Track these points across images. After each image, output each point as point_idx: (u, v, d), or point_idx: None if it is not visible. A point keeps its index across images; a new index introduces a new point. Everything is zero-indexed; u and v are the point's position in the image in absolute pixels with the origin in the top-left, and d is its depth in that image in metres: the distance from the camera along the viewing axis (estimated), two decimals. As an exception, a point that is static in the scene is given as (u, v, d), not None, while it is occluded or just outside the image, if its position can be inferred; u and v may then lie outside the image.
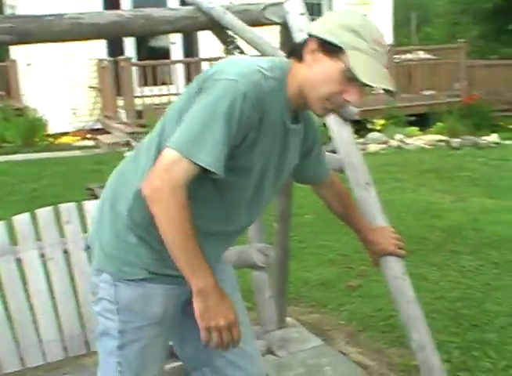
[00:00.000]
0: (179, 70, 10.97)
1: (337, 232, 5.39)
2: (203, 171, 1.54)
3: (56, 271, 2.65)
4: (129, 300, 1.75)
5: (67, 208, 2.72)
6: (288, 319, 3.65)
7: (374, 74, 1.59)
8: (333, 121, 2.35)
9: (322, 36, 1.60)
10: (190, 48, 12.26)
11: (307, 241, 5.17)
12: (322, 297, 4.09)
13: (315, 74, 1.62)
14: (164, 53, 12.01)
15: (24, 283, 2.62)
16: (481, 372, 3.08)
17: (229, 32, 2.37)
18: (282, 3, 2.42)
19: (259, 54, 2.34)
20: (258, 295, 2.38)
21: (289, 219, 3.21)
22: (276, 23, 2.43)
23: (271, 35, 2.43)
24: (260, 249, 2.28)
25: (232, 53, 2.38)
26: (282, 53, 2.34)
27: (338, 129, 2.34)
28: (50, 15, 2.18)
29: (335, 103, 1.65)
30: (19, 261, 2.58)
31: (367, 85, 1.60)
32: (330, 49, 1.59)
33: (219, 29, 2.36)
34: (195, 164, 1.52)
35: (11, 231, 2.60)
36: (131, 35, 2.45)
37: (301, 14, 2.40)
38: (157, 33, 2.38)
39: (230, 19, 2.28)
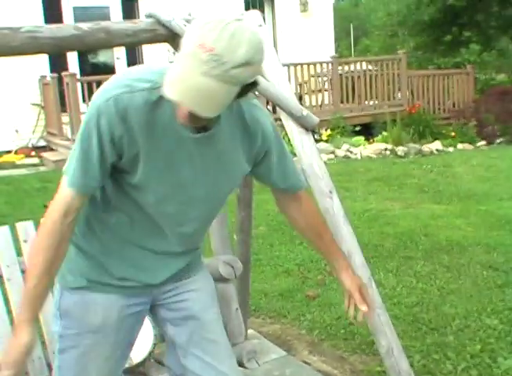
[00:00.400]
0: (124, 86, 10.87)
1: (291, 242, 5.44)
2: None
3: (15, 292, 2.58)
4: (69, 307, 1.78)
5: (25, 227, 2.65)
6: (249, 331, 3.64)
7: (177, 83, 1.37)
8: (294, 131, 2.37)
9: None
10: (134, 63, 12.17)
11: (262, 253, 5.18)
12: (282, 307, 4.09)
13: None
14: (108, 69, 11.89)
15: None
16: (443, 374, 3.13)
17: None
18: (241, 15, 2.43)
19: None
20: (226, 308, 2.36)
21: (249, 231, 3.21)
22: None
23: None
24: (227, 261, 2.27)
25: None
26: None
27: (299, 138, 2.36)
28: (4, 28, 2.12)
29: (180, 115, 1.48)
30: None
31: None
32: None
33: (178, 42, 2.35)
34: None
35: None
36: (91, 49, 2.41)
37: (259, 26, 2.42)
38: (116, 45, 2.35)
39: (190, 32, 2.27)
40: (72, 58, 11.59)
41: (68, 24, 1.92)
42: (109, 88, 1.54)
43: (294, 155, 2.12)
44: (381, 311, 2.21)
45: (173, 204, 1.69)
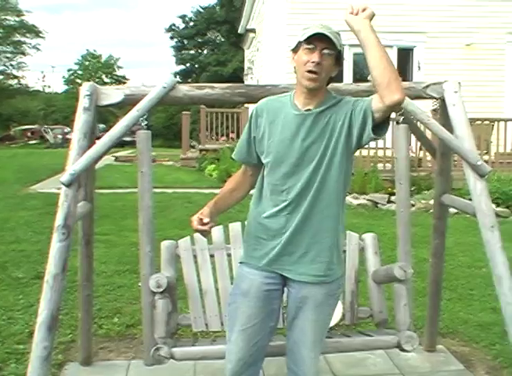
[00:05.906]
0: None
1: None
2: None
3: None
4: (236, 274, 2.74)
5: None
6: (439, 346, 4.24)
7: (309, 33, 2.33)
8: (470, 176, 3.02)
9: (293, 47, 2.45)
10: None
11: (477, 289, 5.63)
12: (477, 336, 4.53)
13: (296, 65, 2.43)
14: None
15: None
16: None
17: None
18: (441, 83, 3.17)
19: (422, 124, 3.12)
20: (396, 303, 3.06)
21: (442, 257, 3.85)
22: (435, 98, 3.18)
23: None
24: (401, 266, 2.99)
25: (398, 120, 3.16)
26: (435, 122, 3.09)
27: (474, 182, 3.01)
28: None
29: (308, 69, 2.36)
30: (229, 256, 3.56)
31: (315, 47, 2.34)
32: (295, 46, 2.43)
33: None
34: None
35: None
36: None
37: (455, 92, 3.12)
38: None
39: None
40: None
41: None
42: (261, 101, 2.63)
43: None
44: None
45: (287, 165, 2.45)
